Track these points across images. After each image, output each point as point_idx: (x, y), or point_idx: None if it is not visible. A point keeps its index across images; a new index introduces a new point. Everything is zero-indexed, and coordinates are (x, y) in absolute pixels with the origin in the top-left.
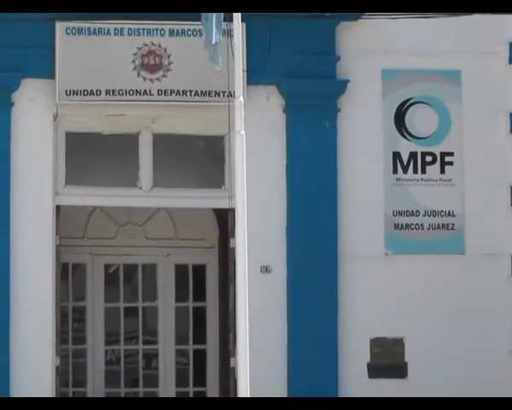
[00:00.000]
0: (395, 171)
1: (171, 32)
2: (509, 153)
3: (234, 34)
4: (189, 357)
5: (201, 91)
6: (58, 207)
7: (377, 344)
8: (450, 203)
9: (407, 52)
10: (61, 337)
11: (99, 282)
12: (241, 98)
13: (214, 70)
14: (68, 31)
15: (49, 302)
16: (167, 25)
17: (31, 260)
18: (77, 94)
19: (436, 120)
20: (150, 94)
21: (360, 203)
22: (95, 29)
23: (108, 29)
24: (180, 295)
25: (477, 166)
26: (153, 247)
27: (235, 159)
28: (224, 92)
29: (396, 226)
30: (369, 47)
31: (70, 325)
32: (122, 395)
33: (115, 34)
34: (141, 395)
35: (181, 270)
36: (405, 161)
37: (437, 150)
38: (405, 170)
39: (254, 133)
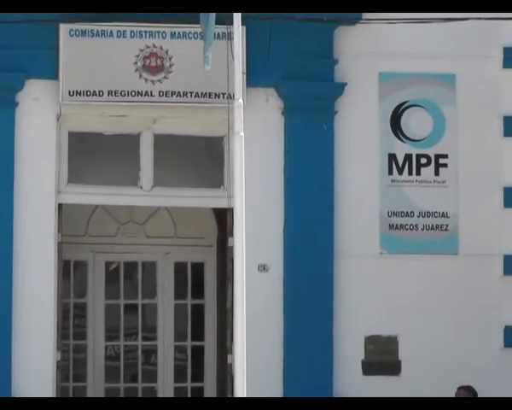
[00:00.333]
0: (390, 172)
1: (173, 35)
2: (503, 155)
3: (234, 37)
4: (188, 353)
5: (202, 93)
6: (60, 206)
7: (372, 342)
8: (445, 204)
9: (403, 56)
10: (63, 333)
11: (100, 279)
12: (241, 100)
13: (204, 70)
14: (72, 33)
15: (50, 298)
16: (169, 27)
17: (33, 256)
18: (80, 94)
19: (431, 122)
20: (152, 95)
21: (356, 204)
22: (98, 31)
23: (111, 31)
24: (179, 293)
25: (471, 169)
26: (153, 245)
27: (234, 159)
28: (223, 94)
29: (391, 226)
30: (367, 51)
31: (71, 320)
32: (121, 390)
33: (118, 36)
34: (140, 390)
35: (180, 268)
36: (400, 162)
37: (431, 152)
38: (400, 171)
39: (253, 134)
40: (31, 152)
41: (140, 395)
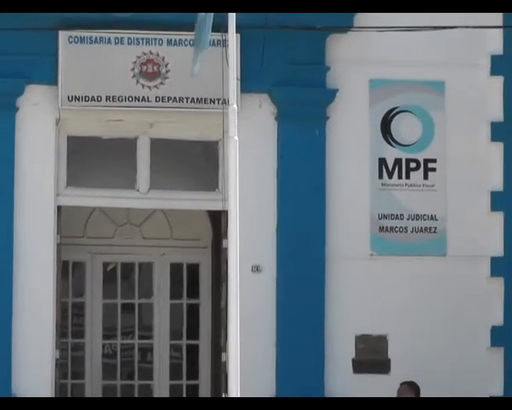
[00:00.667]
0: (381, 176)
1: (169, 42)
2: (490, 160)
3: (228, 44)
4: (183, 351)
5: (197, 98)
6: (59, 208)
7: (362, 341)
8: (433, 208)
9: (394, 63)
10: (61, 331)
11: (98, 279)
12: (235, 105)
13: (192, 75)
14: (71, 39)
15: (49, 298)
16: (165, 35)
17: (33, 257)
18: (78, 100)
19: (420, 128)
20: (148, 100)
21: (347, 206)
22: (96, 38)
23: (109, 38)
24: (175, 293)
25: (459, 173)
26: (149, 246)
27: (228, 163)
28: (218, 99)
29: (381, 229)
30: (358, 58)
31: (69, 319)
32: (118, 387)
33: (116, 43)
34: (136, 388)
35: (176, 268)
36: (390, 166)
37: (421, 157)
38: (390, 175)
39: (247, 139)
40: (31, 156)
41: (136, 393)
